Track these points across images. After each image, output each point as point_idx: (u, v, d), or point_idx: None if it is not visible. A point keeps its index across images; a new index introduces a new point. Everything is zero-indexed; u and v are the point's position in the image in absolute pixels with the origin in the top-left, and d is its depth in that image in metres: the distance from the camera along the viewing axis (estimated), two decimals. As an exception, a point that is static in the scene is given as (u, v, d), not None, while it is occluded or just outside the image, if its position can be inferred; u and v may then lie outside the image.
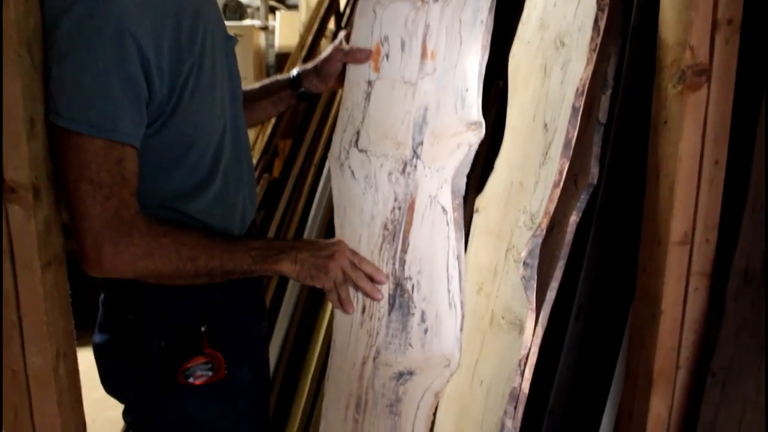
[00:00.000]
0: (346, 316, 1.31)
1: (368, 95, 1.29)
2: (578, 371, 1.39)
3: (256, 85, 1.55)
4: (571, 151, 1.22)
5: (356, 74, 1.31)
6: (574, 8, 1.28)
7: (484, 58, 1.23)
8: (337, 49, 1.34)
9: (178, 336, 1.21)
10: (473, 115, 1.23)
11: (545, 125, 1.30)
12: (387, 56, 1.27)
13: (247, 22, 4.64)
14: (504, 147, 1.43)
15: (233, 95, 1.29)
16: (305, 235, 2.37)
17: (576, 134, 1.22)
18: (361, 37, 1.31)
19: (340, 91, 1.43)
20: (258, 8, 4.67)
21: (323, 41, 3.33)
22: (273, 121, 2.81)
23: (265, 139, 2.75)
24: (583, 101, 1.21)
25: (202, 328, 1.21)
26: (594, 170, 1.26)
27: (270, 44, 4.84)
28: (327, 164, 2.40)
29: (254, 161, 2.71)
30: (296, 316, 2.27)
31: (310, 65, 1.46)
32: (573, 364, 1.38)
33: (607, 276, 1.36)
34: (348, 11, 3.15)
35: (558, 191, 1.24)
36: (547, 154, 1.27)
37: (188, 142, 1.16)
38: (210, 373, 1.22)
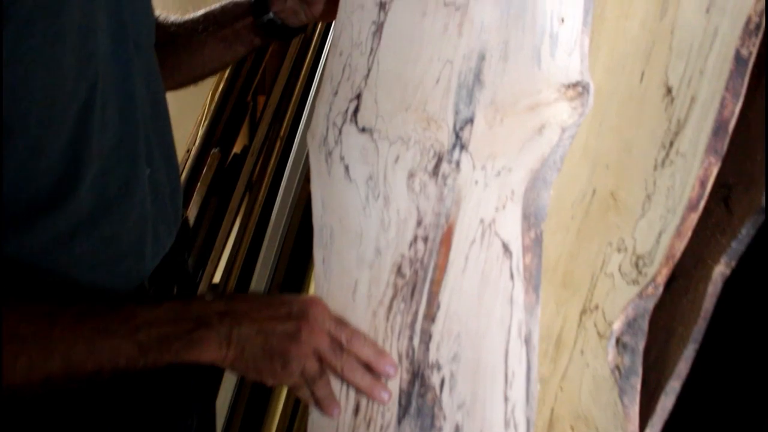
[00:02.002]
0: (326, 419, 0.75)
1: (379, 28, 0.71)
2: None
3: (198, 12, 0.96)
4: (726, 144, 0.64)
5: (357, -11, 0.72)
6: None
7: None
8: None
9: None
10: (573, 68, 0.65)
11: (668, 90, 0.71)
12: (414, -45, 0.69)
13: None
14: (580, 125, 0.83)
15: (120, 29, 0.71)
16: (259, 269, 1.70)
17: (737, 111, 0.64)
18: None
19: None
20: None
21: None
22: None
23: (218, 95, 2.03)
24: (756, 45, 0.63)
25: None
26: (774, 184, 0.69)
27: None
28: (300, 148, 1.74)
29: (201, 128, 2.03)
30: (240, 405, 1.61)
31: None
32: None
33: None
34: None
35: (695, 217, 0.66)
36: (672, 146, 0.70)
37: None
38: None
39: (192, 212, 1.88)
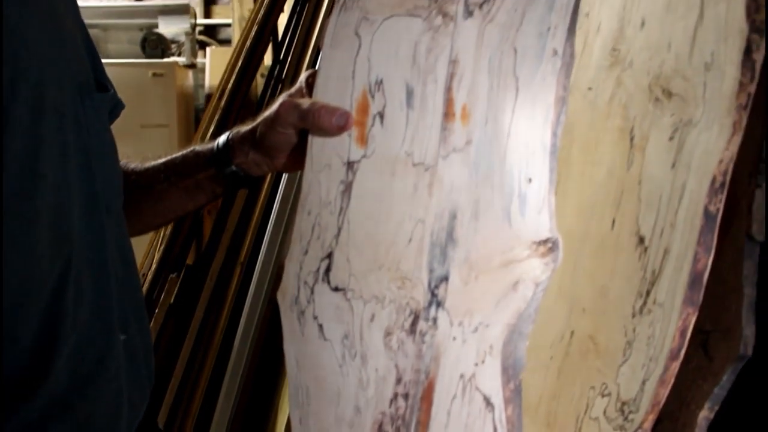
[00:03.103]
0: None
1: (348, 188, 0.71)
2: None
3: (160, 159, 0.94)
4: (701, 296, 0.66)
5: (326, 150, 0.73)
6: (690, 28, 0.73)
7: (561, 120, 0.67)
8: (290, 105, 0.76)
9: None
10: (542, 226, 0.67)
11: (640, 240, 0.74)
12: (381, 117, 0.71)
13: (173, 59, 4.02)
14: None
15: (92, 198, 0.70)
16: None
17: (710, 264, 0.66)
18: (333, 84, 0.73)
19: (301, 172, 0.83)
20: (183, 43, 4.06)
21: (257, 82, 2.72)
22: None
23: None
24: (722, 201, 0.66)
25: None
26: (747, 330, 0.71)
27: (200, 84, 4.22)
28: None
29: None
30: None
31: (246, 127, 0.86)
32: None
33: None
34: (289, 36, 2.44)
35: (677, 365, 0.67)
36: (648, 295, 0.72)
37: None
38: None
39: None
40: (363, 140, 0.71)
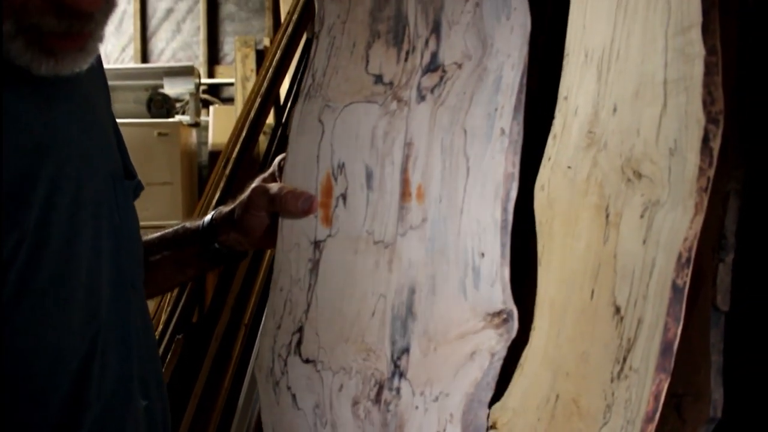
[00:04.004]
0: None
1: (315, 266, 0.76)
2: None
3: (154, 235, 1.00)
4: (672, 362, 0.70)
5: (294, 230, 0.78)
6: (656, 116, 0.78)
7: (511, 196, 0.72)
8: (260, 190, 0.81)
9: None
10: (496, 298, 0.71)
11: (617, 310, 0.78)
12: (344, 198, 0.75)
13: (177, 118, 4.12)
14: (538, 332, 0.89)
15: (119, 275, 0.76)
16: None
17: (679, 331, 0.70)
18: (300, 168, 0.79)
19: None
20: (187, 102, 4.17)
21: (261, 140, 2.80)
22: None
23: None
24: (689, 275, 0.70)
25: None
26: (716, 394, 0.74)
27: (203, 141, 4.32)
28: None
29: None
30: None
31: (227, 208, 0.92)
32: None
33: None
34: (291, 101, 2.55)
35: (652, 427, 0.70)
36: (625, 361, 0.75)
37: (2, 386, 0.65)
38: None
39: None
40: (328, 221, 0.76)
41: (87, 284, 0.71)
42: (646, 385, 0.72)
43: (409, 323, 0.71)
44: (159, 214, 3.42)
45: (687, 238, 0.71)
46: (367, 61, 0.77)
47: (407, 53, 0.75)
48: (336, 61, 0.78)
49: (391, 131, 0.75)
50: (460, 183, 0.72)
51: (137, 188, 0.88)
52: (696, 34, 0.74)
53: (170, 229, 0.99)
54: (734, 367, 0.80)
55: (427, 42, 0.75)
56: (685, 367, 0.80)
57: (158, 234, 0.99)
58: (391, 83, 0.75)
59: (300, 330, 0.76)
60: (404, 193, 0.73)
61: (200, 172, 4.24)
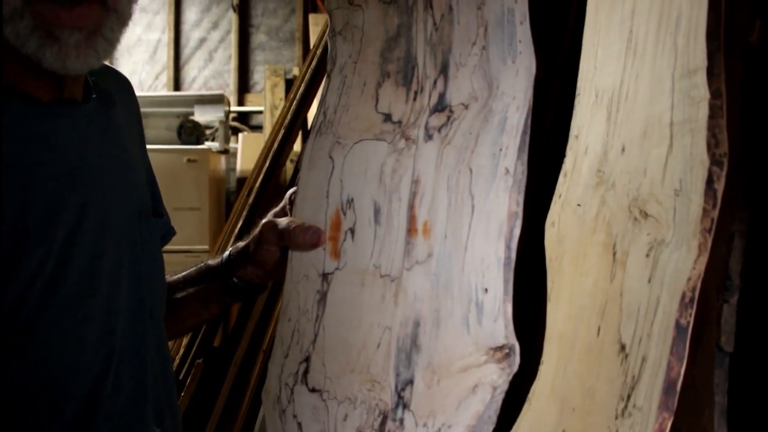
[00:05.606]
0: None
1: (323, 297, 0.78)
2: None
3: (181, 273, 1.04)
4: (676, 401, 0.70)
5: (303, 263, 0.80)
6: (662, 157, 0.80)
7: (514, 233, 0.74)
8: (270, 225, 0.84)
9: None
10: (498, 333, 0.72)
11: (622, 347, 0.79)
12: (352, 233, 0.78)
13: (206, 145, 4.20)
14: (546, 367, 0.91)
15: (139, 304, 0.80)
16: None
17: (683, 370, 0.71)
18: (310, 202, 0.81)
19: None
20: (217, 129, 4.25)
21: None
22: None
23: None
24: (692, 315, 0.71)
25: None
26: None
27: (231, 168, 4.39)
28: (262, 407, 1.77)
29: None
30: None
31: (243, 243, 0.96)
32: None
33: None
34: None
35: None
36: (629, 399, 0.75)
37: (19, 395, 0.70)
38: None
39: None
40: (336, 254, 0.78)
41: (105, 306, 0.75)
42: (649, 423, 0.73)
43: (414, 355, 0.73)
44: (187, 238, 3.49)
45: (690, 278, 0.72)
46: (377, 100, 0.80)
47: (416, 93, 0.78)
48: (347, 100, 0.81)
49: (398, 168, 0.77)
50: (465, 220, 0.74)
51: (168, 233, 0.93)
52: (701, 78, 0.76)
53: (194, 268, 1.03)
54: (738, 408, 0.80)
55: (435, 83, 0.77)
56: (689, 407, 0.80)
57: (183, 273, 1.03)
58: (399, 122, 0.78)
59: (307, 359, 0.78)
60: (411, 229, 0.75)
61: (228, 198, 4.31)
